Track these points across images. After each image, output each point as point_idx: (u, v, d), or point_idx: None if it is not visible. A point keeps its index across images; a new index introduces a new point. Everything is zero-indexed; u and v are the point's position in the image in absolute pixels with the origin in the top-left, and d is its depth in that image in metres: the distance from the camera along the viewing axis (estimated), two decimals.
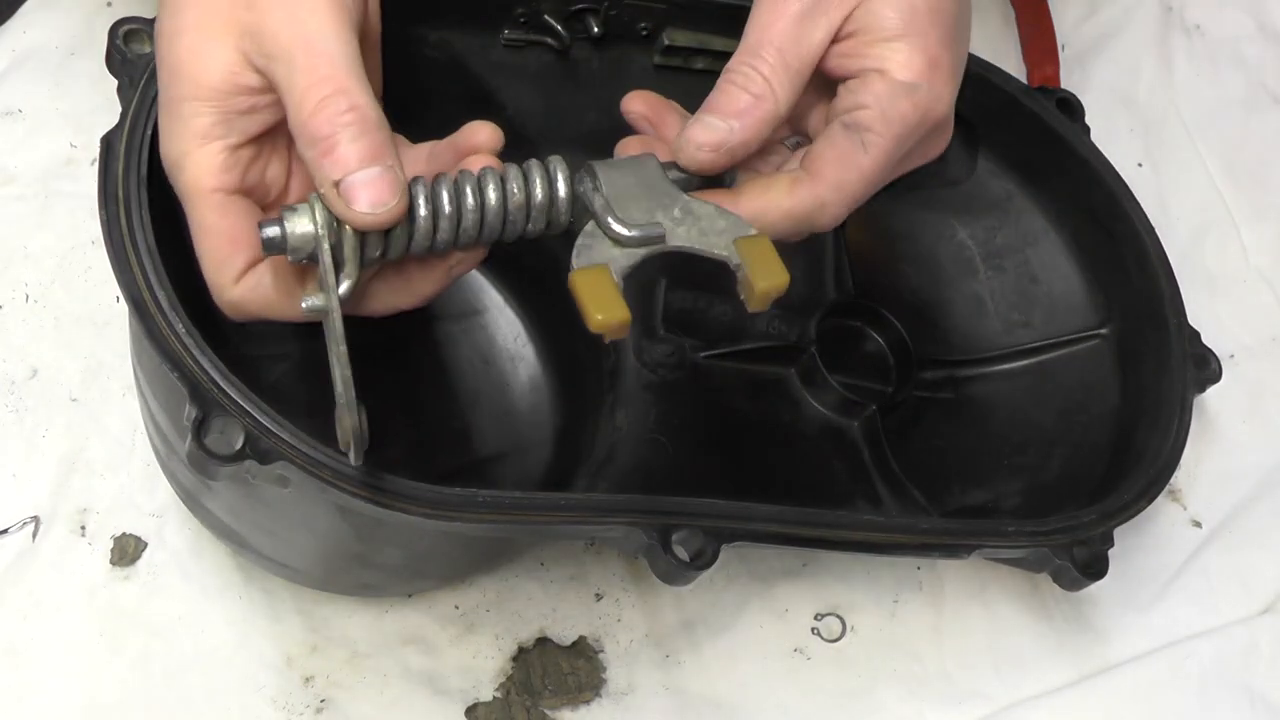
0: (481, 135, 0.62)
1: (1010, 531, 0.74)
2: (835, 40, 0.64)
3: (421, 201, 0.59)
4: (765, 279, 0.58)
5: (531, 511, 0.64)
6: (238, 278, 0.60)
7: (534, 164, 0.61)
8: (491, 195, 0.60)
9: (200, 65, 0.58)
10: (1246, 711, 0.83)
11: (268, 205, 0.62)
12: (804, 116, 0.68)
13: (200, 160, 0.59)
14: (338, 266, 0.57)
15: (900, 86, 0.63)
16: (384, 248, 0.59)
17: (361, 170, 0.56)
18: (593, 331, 0.56)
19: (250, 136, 0.60)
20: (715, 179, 0.64)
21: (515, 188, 0.60)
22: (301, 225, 0.57)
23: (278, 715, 0.76)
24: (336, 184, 0.56)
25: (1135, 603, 0.85)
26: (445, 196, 0.59)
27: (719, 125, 0.62)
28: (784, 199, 0.63)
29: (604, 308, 0.56)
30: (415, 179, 0.59)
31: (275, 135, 0.61)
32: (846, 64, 0.64)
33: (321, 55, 0.57)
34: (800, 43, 0.63)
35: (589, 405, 0.77)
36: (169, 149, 0.60)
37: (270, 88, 0.59)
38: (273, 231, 0.57)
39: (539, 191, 0.61)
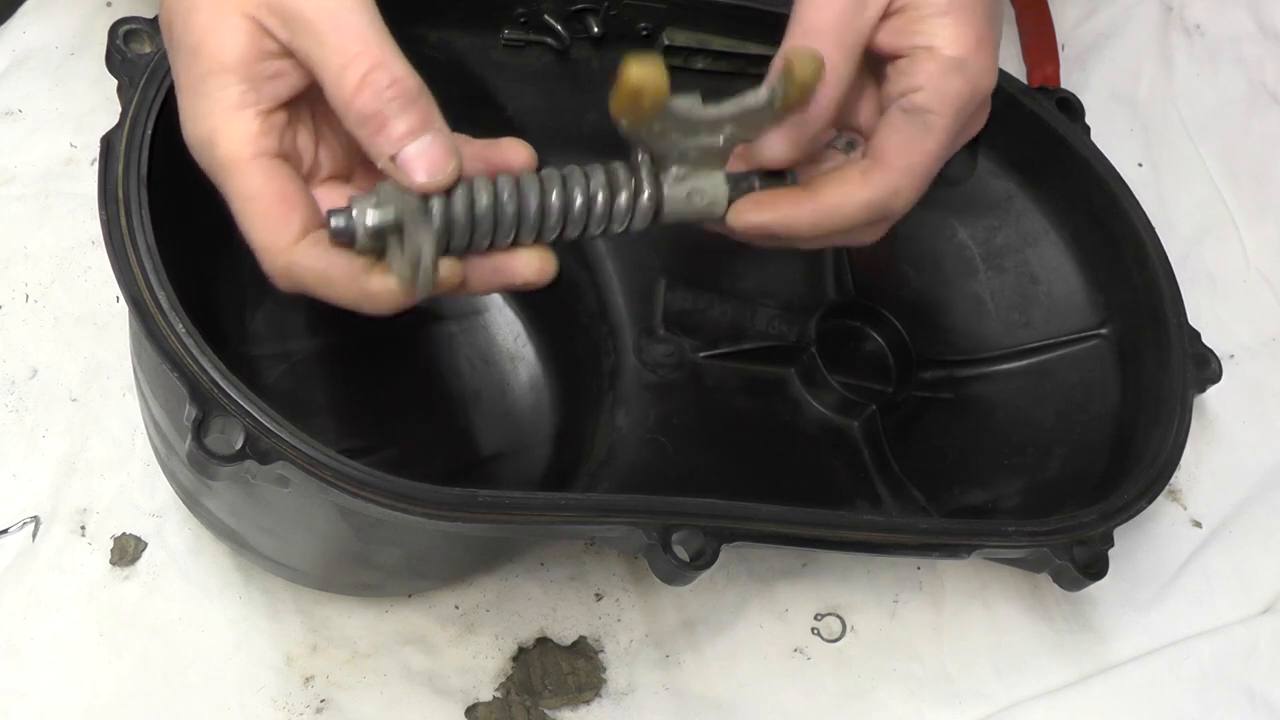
0: (518, 157, 0.62)
1: (1010, 531, 0.74)
2: (883, 17, 0.64)
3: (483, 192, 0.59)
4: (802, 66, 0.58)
5: (531, 511, 0.64)
6: (296, 239, 0.58)
7: (595, 168, 0.61)
8: (554, 195, 0.60)
9: (219, 40, 0.57)
10: (1246, 711, 0.83)
11: (303, 176, 0.61)
12: (851, 106, 0.67)
13: (235, 130, 0.58)
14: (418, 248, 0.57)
15: (951, 63, 0.64)
16: (457, 231, 0.59)
17: (414, 141, 0.56)
18: (623, 91, 0.56)
19: (280, 101, 0.59)
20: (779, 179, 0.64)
21: (576, 189, 0.60)
22: (374, 215, 0.57)
23: (278, 715, 0.76)
24: (393, 158, 0.56)
25: (1135, 603, 0.85)
26: (507, 188, 0.59)
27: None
28: (859, 190, 0.63)
29: (643, 65, 0.56)
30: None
31: (299, 103, 0.60)
32: (895, 41, 0.64)
33: (350, 29, 0.56)
34: (854, 22, 0.63)
35: (589, 405, 0.77)
36: (198, 128, 0.58)
37: (292, 52, 0.58)
38: (340, 221, 0.57)
39: (600, 195, 0.61)
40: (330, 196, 0.60)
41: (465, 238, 0.59)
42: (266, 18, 0.57)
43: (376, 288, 0.58)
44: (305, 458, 0.59)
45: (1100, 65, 1.02)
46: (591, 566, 0.82)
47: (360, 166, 0.62)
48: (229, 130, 0.58)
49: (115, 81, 0.65)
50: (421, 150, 0.56)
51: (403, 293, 0.57)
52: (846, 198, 0.63)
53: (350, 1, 0.57)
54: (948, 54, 0.64)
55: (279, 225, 0.58)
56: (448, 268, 0.58)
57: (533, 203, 0.59)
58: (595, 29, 0.78)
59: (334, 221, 0.57)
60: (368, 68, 0.56)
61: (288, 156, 0.59)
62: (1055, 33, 1.02)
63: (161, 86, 0.64)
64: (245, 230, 0.58)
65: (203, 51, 0.58)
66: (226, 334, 0.76)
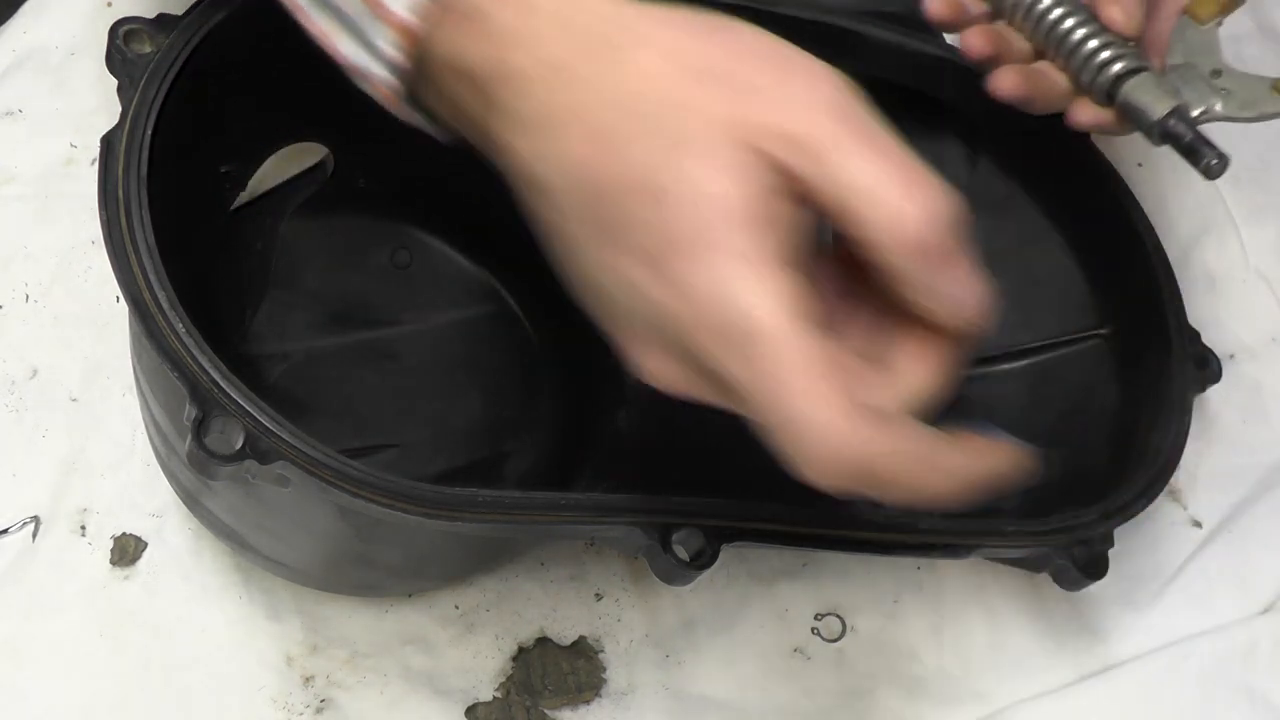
0: None
1: (1010, 531, 0.74)
2: None
3: None
4: None
5: (531, 511, 0.64)
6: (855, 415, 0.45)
7: None
8: None
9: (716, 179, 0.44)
10: (1246, 711, 0.83)
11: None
12: None
13: (767, 290, 0.44)
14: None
15: None
16: None
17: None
18: None
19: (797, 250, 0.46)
20: None
21: None
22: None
23: (278, 715, 0.76)
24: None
25: (1135, 603, 0.85)
26: None
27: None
28: None
29: None
30: None
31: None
32: None
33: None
34: None
35: (589, 405, 0.77)
36: (709, 290, 0.44)
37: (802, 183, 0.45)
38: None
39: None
40: None
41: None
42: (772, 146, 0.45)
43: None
44: (305, 458, 0.59)
45: None
46: (591, 566, 0.82)
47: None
48: (759, 291, 0.44)
49: (115, 81, 0.65)
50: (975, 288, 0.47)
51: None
52: None
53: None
54: None
55: (838, 399, 0.45)
56: None
57: None
58: None
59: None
60: (920, 186, 0.46)
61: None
62: None
63: (161, 86, 0.64)
64: (785, 413, 0.46)
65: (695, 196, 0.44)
66: (226, 334, 0.76)
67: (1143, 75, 0.64)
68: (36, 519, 0.79)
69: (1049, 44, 0.68)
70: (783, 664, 0.82)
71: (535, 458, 0.79)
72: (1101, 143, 0.86)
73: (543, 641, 0.80)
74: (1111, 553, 0.75)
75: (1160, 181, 0.98)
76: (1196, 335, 0.83)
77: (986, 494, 0.48)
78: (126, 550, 0.79)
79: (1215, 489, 0.90)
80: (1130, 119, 0.67)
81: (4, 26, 0.91)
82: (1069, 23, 0.66)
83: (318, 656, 0.78)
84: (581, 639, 0.81)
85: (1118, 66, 0.64)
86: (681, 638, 0.81)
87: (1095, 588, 0.75)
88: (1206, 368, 0.83)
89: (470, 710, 0.78)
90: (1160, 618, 0.85)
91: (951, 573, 0.85)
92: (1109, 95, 0.66)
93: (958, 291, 0.47)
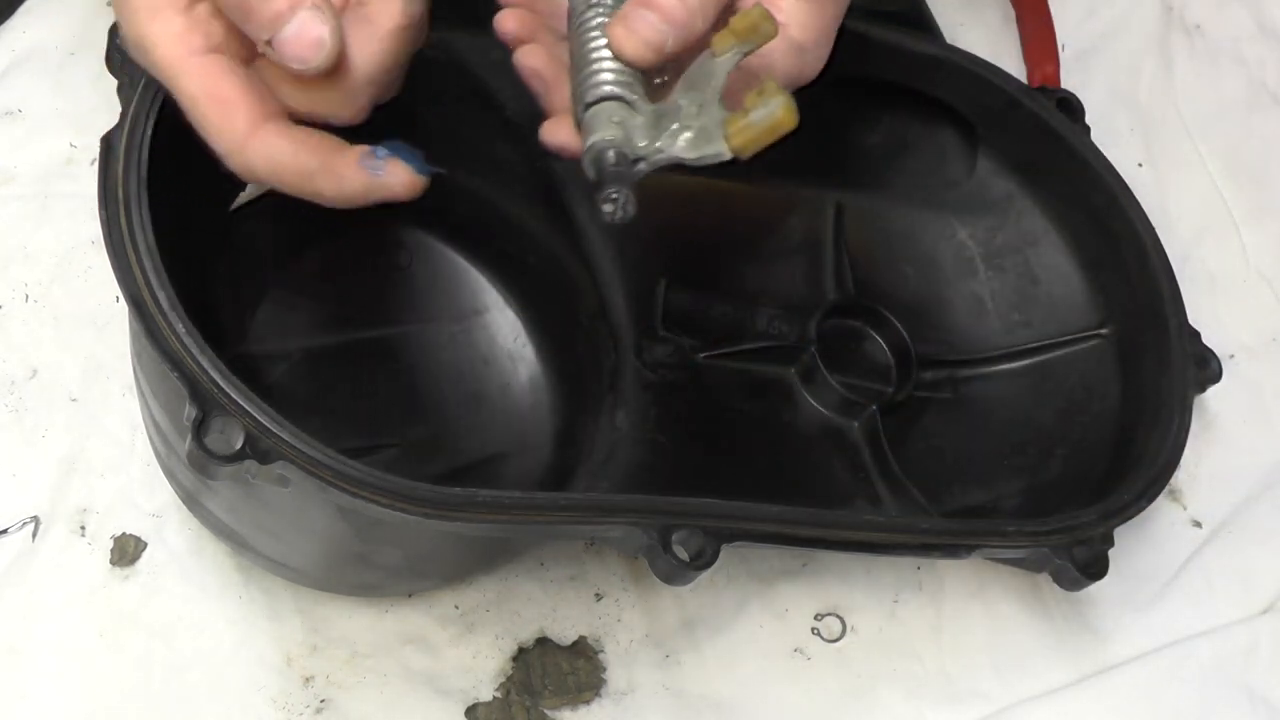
0: None
1: (1010, 531, 0.74)
2: None
3: None
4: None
5: (531, 511, 0.64)
6: (248, 134, 0.58)
7: None
8: None
9: None
10: (1246, 711, 0.83)
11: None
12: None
13: (161, 32, 0.58)
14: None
15: (794, 46, 0.65)
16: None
17: (285, 24, 0.55)
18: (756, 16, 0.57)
19: None
20: None
21: None
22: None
23: (278, 715, 0.76)
24: (269, 43, 0.55)
25: (1135, 603, 0.85)
26: None
27: (661, 28, 0.59)
28: None
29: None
30: None
31: None
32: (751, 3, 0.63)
33: None
34: None
35: (589, 405, 0.77)
36: (128, 34, 0.59)
37: None
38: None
39: None
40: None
41: None
42: None
43: (344, 168, 0.58)
44: (305, 458, 0.59)
45: (1100, 65, 1.02)
46: (591, 566, 0.82)
47: None
48: (155, 32, 0.57)
49: (115, 81, 0.65)
50: (292, 34, 0.55)
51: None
52: None
53: None
54: (795, 37, 0.65)
55: (225, 124, 0.58)
56: None
57: None
58: None
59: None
60: None
61: (219, 49, 0.58)
62: (1055, 33, 1.02)
63: (161, 86, 0.64)
64: (201, 130, 0.58)
65: None
66: (226, 334, 0.76)
67: (606, 104, 0.58)
68: (36, 519, 0.79)
69: (570, 60, 0.62)
70: (783, 664, 0.82)
71: (535, 458, 0.79)
72: (1102, 143, 0.86)
73: (543, 641, 0.80)
74: (1111, 553, 0.75)
75: (1160, 181, 0.99)
76: (1196, 335, 0.83)
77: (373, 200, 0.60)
78: (126, 550, 0.79)
79: (1215, 489, 0.90)
80: None
81: (4, 26, 0.91)
82: (590, 40, 0.60)
83: (317, 656, 0.78)
84: (581, 639, 0.81)
85: (593, 92, 0.59)
86: (681, 638, 0.81)
87: (1095, 588, 0.75)
88: (1206, 368, 0.83)
89: (470, 710, 0.78)
90: (1160, 618, 0.85)
91: (951, 573, 0.85)
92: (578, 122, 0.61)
93: (261, 39, 0.55)
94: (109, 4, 0.61)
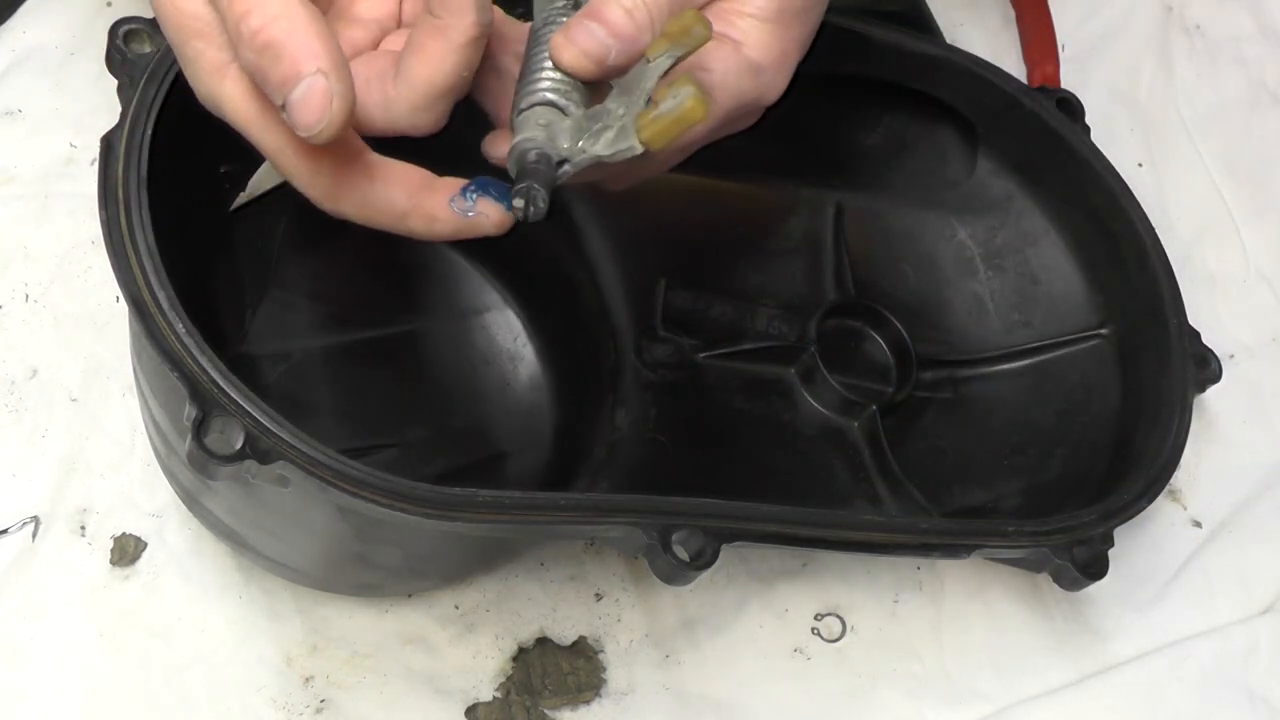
0: None
1: (1010, 531, 0.74)
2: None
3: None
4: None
5: (531, 511, 0.64)
6: (334, 188, 0.57)
7: None
8: None
9: None
10: (1246, 711, 0.83)
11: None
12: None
13: (232, 91, 0.56)
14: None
15: (750, 66, 0.64)
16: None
17: (295, 89, 0.53)
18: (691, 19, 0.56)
19: None
20: None
21: None
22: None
23: (278, 715, 0.76)
24: (284, 107, 0.54)
25: (1135, 603, 0.85)
26: None
27: (605, 40, 0.59)
28: None
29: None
30: None
31: None
32: (710, 19, 0.62)
33: None
34: None
35: (589, 405, 0.77)
36: (200, 91, 0.57)
37: None
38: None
39: None
40: None
41: None
42: None
43: (435, 208, 0.57)
44: (305, 458, 0.59)
45: (1100, 65, 1.02)
46: (591, 566, 0.82)
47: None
48: (229, 92, 0.56)
49: (115, 81, 0.65)
50: (298, 99, 0.53)
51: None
52: None
53: None
54: (752, 57, 0.64)
55: (313, 176, 0.57)
56: None
57: None
58: None
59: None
60: (243, 9, 0.53)
61: None
62: (1055, 33, 1.02)
63: (161, 86, 0.64)
64: (290, 182, 0.58)
65: None
66: (226, 334, 0.76)
67: (536, 109, 0.59)
68: (36, 519, 0.79)
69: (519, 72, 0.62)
70: (783, 664, 0.82)
71: (535, 458, 0.79)
72: (1102, 143, 0.86)
73: (543, 641, 0.80)
74: (1111, 553, 0.75)
75: (1160, 181, 0.99)
76: (1196, 335, 0.83)
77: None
78: (126, 550, 0.79)
79: (1215, 489, 0.90)
80: None
81: (4, 26, 0.91)
82: (539, 53, 0.60)
83: (317, 656, 0.78)
84: (581, 639, 0.81)
85: (527, 99, 0.59)
86: (681, 638, 0.81)
87: (1095, 588, 0.75)
88: (1206, 368, 0.83)
89: (470, 710, 0.78)
90: (1160, 618, 0.85)
91: (951, 573, 0.85)
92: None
93: (277, 102, 0.53)
94: (109, 4, 0.60)
